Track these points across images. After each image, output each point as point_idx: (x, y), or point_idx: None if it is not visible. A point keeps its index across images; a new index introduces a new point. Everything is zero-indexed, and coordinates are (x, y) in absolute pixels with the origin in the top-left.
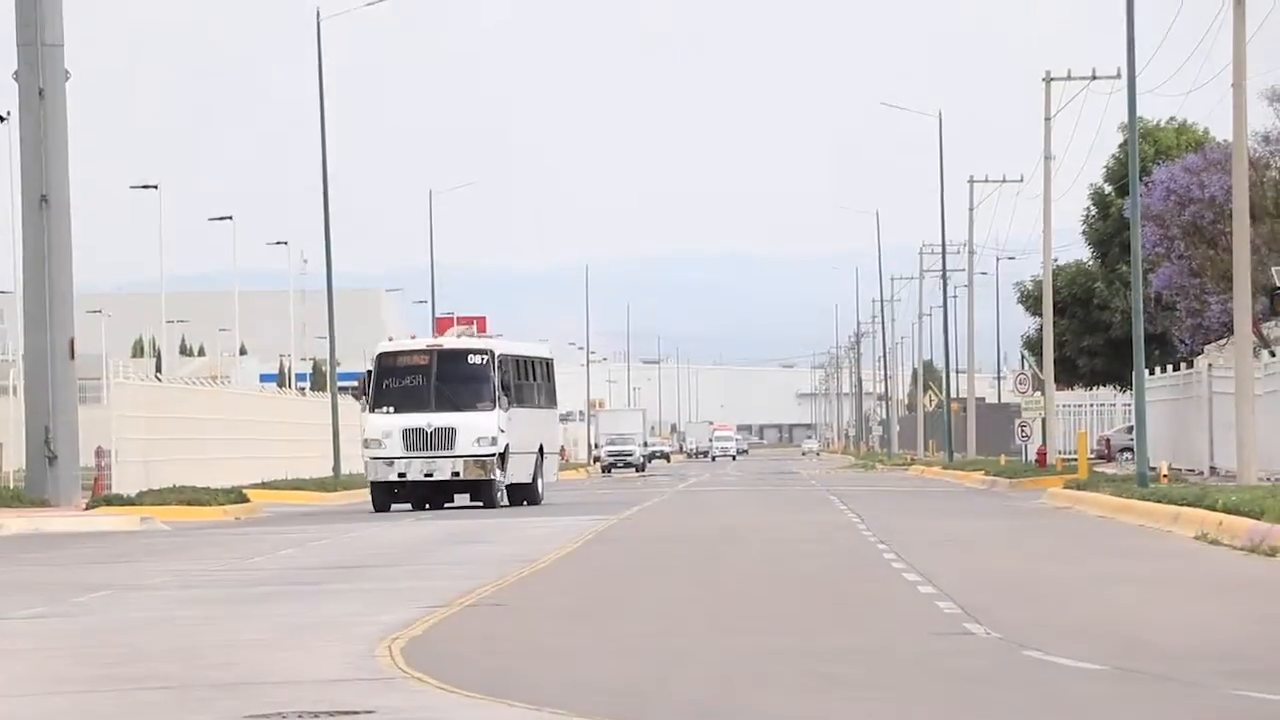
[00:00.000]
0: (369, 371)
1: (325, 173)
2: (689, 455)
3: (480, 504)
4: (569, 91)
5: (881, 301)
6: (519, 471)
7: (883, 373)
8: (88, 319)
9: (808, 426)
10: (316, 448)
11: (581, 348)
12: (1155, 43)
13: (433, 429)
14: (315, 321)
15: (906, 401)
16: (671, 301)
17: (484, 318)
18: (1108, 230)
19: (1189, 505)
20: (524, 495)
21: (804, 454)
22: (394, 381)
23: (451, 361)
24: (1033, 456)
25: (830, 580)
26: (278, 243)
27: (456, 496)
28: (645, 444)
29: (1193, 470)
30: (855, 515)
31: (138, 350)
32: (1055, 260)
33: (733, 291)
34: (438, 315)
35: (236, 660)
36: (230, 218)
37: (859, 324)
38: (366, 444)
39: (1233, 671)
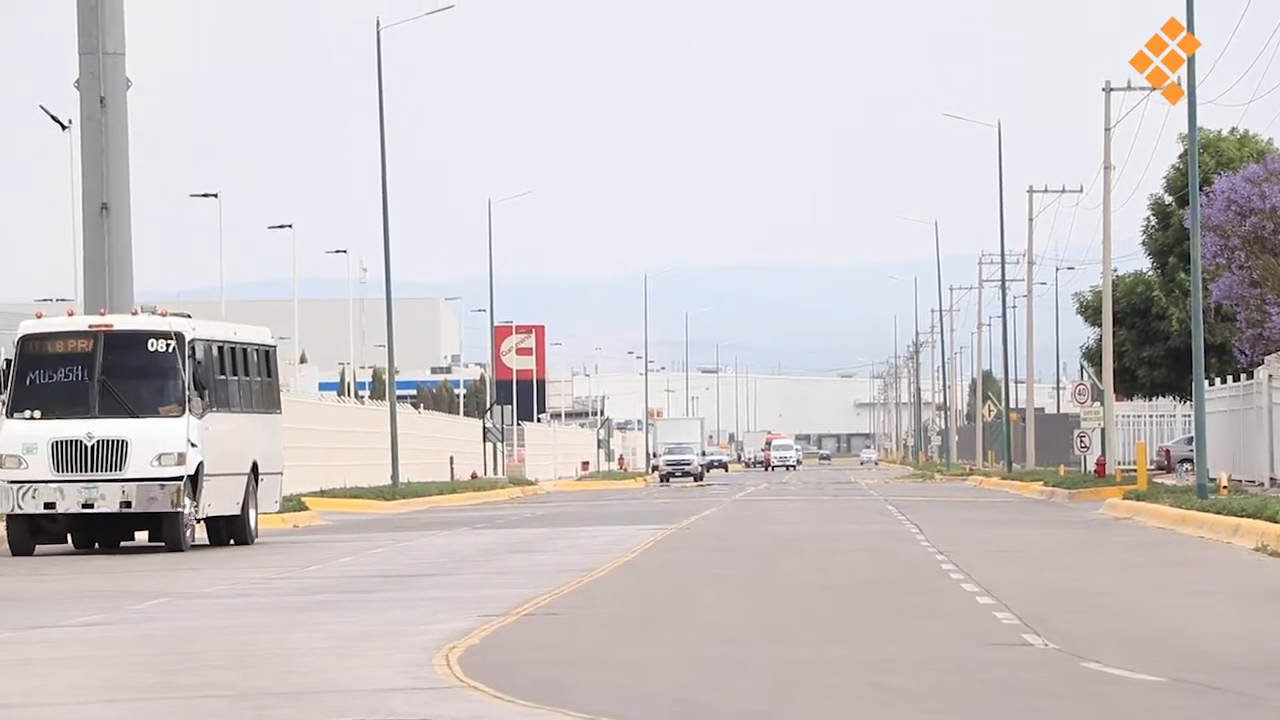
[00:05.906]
0: (8, 361)
1: (385, 181)
2: (747, 465)
3: (163, 545)
4: (627, 101)
5: (940, 311)
6: (220, 500)
7: (941, 383)
8: None
9: (866, 436)
10: (375, 456)
11: (640, 357)
12: (1216, 53)
13: (94, 441)
14: (375, 330)
15: (965, 411)
16: (730, 311)
17: (543, 326)
18: (1168, 241)
19: (1249, 517)
20: (230, 531)
21: (862, 463)
22: (42, 375)
23: (123, 348)
24: (1092, 467)
25: (888, 590)
26: (337, 251)
27: (137, 533)
28: (703, 453)
29: (1253, 481)
30: (913, 525)
31: None
32: (1115, 271)
33: (791, 301)
34: (497, 324)
35: (293, 669)
36: (290, 226)
37: (918, 334)
38: (1, 463)
39: None
